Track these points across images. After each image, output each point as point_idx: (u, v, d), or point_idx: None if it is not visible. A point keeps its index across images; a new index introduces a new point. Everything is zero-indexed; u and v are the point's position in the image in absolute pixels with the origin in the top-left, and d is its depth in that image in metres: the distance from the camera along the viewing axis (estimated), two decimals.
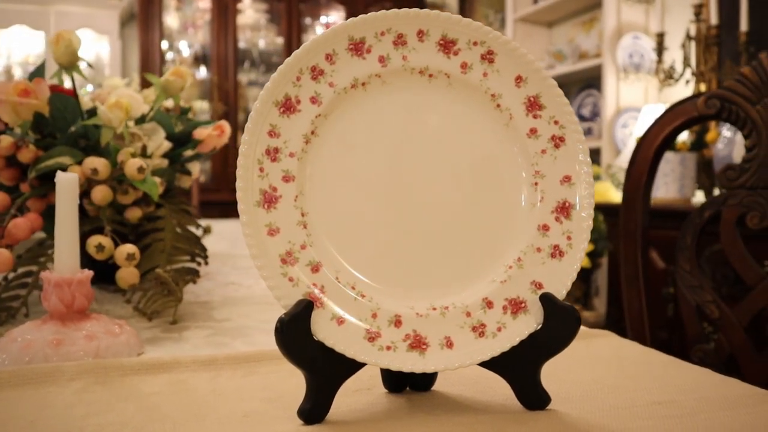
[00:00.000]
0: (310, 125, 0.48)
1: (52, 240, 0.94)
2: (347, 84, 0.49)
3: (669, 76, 2.43)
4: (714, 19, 2.26)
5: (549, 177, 0.51)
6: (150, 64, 3.93)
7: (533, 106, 0.51)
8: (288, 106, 0.48)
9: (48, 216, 0.88)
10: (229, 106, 4.10)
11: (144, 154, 0.90)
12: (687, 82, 2.40)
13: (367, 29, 0.49)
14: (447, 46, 0.51)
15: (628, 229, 1.16)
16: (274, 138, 0.48)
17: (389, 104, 0.50)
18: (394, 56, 0.50)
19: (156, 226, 0.95)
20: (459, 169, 0.51)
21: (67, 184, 0.63)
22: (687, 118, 1.13)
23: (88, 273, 0.65)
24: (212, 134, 0.96)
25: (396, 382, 0.53)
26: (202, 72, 4.17)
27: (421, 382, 0.53)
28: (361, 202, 0.49)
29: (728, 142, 2.16)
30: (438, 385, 0.54)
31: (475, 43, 0.51)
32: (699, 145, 2.22)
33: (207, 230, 1.20)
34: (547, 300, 0.48)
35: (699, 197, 2.28)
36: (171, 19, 4.18)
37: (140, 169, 0.78)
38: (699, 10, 2.35)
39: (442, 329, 0.48)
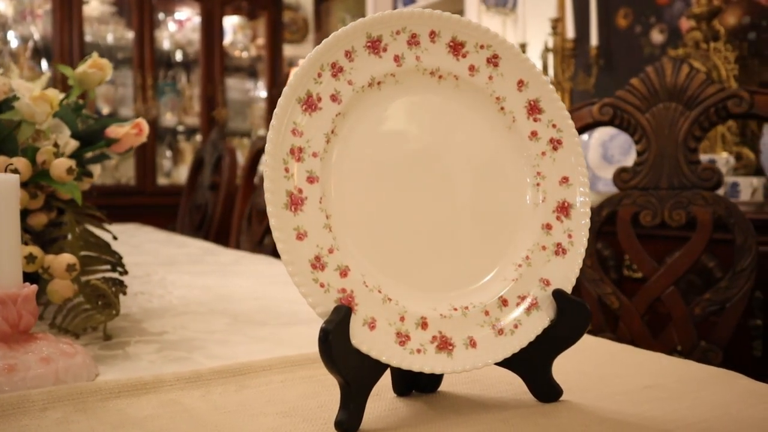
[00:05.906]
0: (331, 124, 0.47)
1: None
2: (365, 82, 0.48)
3: None
4: (570, 33, 2.45)
5: (549, 178, 0.53)
6: None
7: (534, 109, 0.53)
8: (310, 104, 0.46)
9: None
10: None
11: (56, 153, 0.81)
12: None
13: (383, 27, 0.48)
14: (456, 48, 0.51)
15: None
16: (297, 137, 0.45)
17: (402, 104, 0.50)
18: (408, 56, 0.49)
19: (61, 233, 0.86)
20: (469, 170, 0.51)
21: (6, 186, 0.56)
22: (583, 123, 1.22)
23: (33, 287, 0.57)
24: (130, 133, 0.88)
25: (405, 385, 0.52)
26: (44, 66, 3.80)
27: (428, 384, 0.53)
28: (378, 204, 0.48)
29: (583, 146, 2.36)
30: (439, 387, 0.54)
31: (482, 47, 0.52)
32: None
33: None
34: (559, 296, 0.50)
35: None
36: (4, 6, 3.78)
37: (69, 170, 0.70)
38: (556, 24, 2.54)
39: (465, 329, 0.48)
